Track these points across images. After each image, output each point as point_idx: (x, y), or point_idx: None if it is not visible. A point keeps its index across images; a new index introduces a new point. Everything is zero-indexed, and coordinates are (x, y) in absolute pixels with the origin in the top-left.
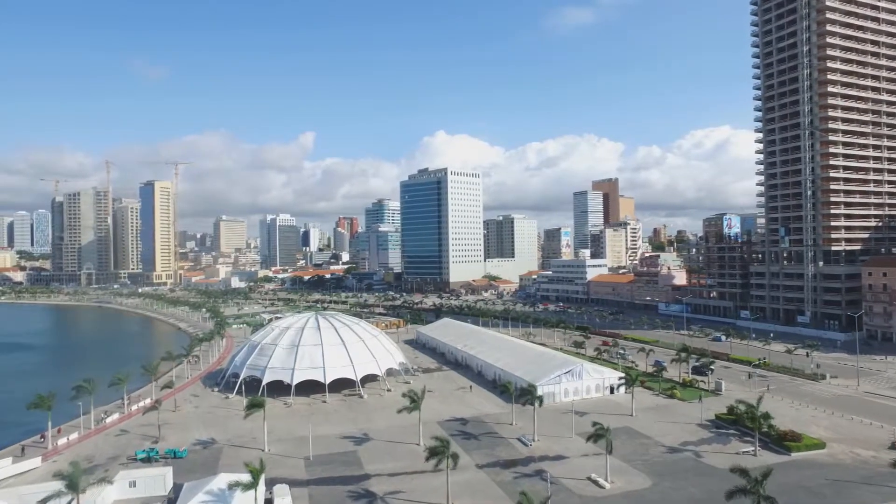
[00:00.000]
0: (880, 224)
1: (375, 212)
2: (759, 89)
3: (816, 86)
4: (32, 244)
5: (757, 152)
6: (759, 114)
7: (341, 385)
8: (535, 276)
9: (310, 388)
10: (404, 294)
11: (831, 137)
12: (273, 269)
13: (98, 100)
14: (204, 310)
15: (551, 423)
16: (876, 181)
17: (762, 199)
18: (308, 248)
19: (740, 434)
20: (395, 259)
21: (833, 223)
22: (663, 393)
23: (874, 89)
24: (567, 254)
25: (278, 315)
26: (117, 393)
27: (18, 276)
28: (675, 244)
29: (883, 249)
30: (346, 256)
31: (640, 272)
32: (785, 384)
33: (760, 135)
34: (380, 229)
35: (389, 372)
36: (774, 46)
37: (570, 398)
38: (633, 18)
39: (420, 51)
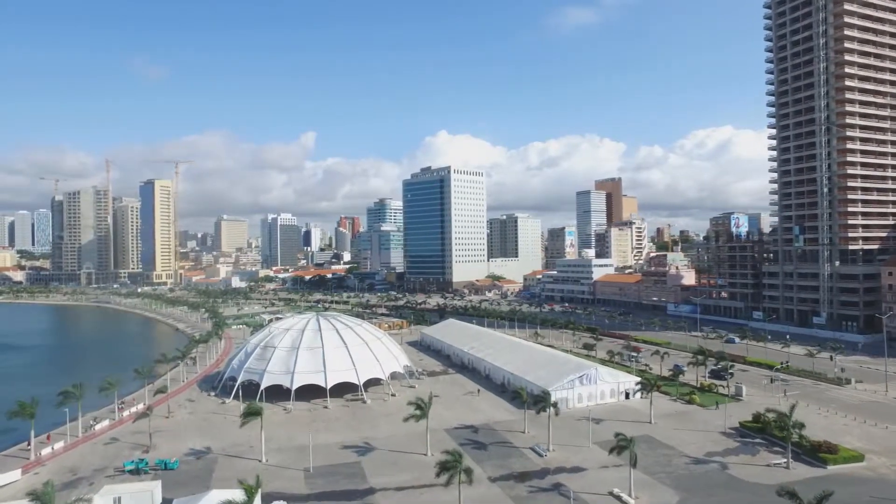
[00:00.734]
0: None
1: (377, 211)
2: (772, 84)
3: (833, 79)
4: (33, 244)
5: (770, 149)
6: (773, 109)
7: (343, 389)
8: (539, 276)
9: (310, 392)
10: (407, 294)
11: (848, 133)
12: (274, 268)
13: (99, 100)
14: (203, 310)
15: (566, 430)
16: (895, 178)
17: (775, 196)
18: (309, 248)
19: (768, 444)
20: (397, 259)
21: (850, 221)
22: (681, 398)
23: (893, 83)
24: (571, 253)
25: (279, 315)
26: (109, 398)
27: (18, 276)
28: (680, 244)
29: None
30: (347, 256)
31: (648, 272)
32: (808, 389)
33: (773, 131)
34: (382, 229)
35: (393, 375)
36: (788, 40)
37: (583, 404)
38: (634, 18)
39: (422, 51)
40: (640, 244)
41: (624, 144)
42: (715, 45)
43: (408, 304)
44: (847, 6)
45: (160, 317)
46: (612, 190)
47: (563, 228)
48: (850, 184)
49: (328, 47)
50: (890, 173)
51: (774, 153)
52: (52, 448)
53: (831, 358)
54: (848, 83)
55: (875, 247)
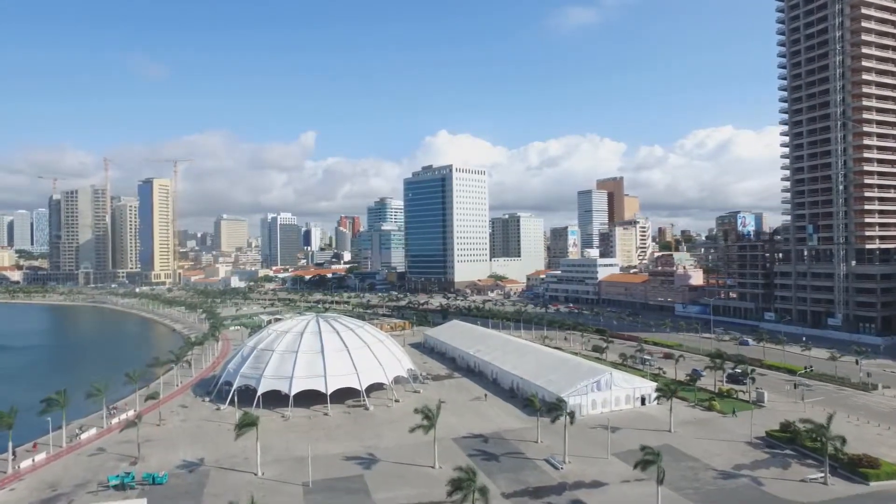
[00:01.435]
0: None
1: (378, 210)
2: (784, 79)
3: (849, 73)
4: (32, 243)
5: (782, 146)
6: (785, 105)
7: (344, 395)
8: (542, 276)
9: (310, 398)
10: (408, 294)
11: (865, 128)
12: (274, 268)
13: (100, 99)
14: (200, 311)
15: (581, 440)
16: None
17: (787, 195)
18: (309, 248)
19: (799, 456)
20: (398, 258)
21: (867, 220)
22: (700, 405)
23: None
24: (574, 253)
25: (278, 316)
26: (98, 403)
27: (15, 276)
28: (684, 243)
29: None
30: (347, 256)
31: (654, 272)
32: (832, 395)
33: (786, 127)
34: (382, 228)
35: (397, 380)
36: (802, 33)
37: (598, 410)
38: (634, 18)
39: (422, 50)
40: (644, 244)
41: (624, 144)
42: (715, 45)
43: (410, 305)
44: None
45: (157, 317)
46: (613, 189)
47: (566, 228)
48: (866, 181)
49: (328, 47)
50: None
51: (787, 150)
52: (33, 460)
53: (857, 362)
54: (865, 77)
55: (893, 246)
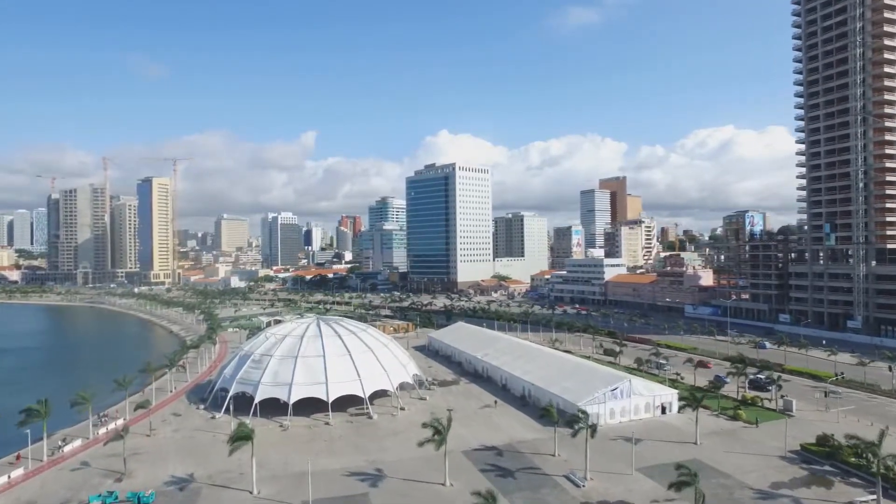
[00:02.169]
0: None
1: (379, 210)
2: (800, 73)
3: (870, 66)
4: (32, 243)
5: (797, 142)
6: (801, 100)
7: (347, 402)
8: (547, 277)
9: (310, 406)
10: (410, 295)
11: (886, 123)
12: (274, 268)
13: (100, 99)
14: (198, 312)
15: (601, 453)
16: None
17: (803, 192)
18: (310, 248)
19: (841, 473)
20: (399, 258)
21: (888, 218)
22: (724, 414)
23: None
24: (578, 253)
25: (277, 318)
26: (84, 412)
27: (14, 275)
28: (687, 243)
29: None
30: (349, 256)
31: (663, 272)
32: (863, 403)
33: (802, 122)
34: (384, 228)
35: (402, 386)
36: (819, 25)
37: (616, 420)
38: (635, 18)
39: (423, 50)
40: (650, 243)
41: (625, 144)
42: (716, 45)
43: (413, 306)
44: None
45: (154, 318)
46: (616, 189)
47: (570, 227)
48: (887, 177)
49: (328, 47)
50: None
51: (802, 146)
52: (9, 477)
53: (890, 368)
54: (887, 69)
55: None
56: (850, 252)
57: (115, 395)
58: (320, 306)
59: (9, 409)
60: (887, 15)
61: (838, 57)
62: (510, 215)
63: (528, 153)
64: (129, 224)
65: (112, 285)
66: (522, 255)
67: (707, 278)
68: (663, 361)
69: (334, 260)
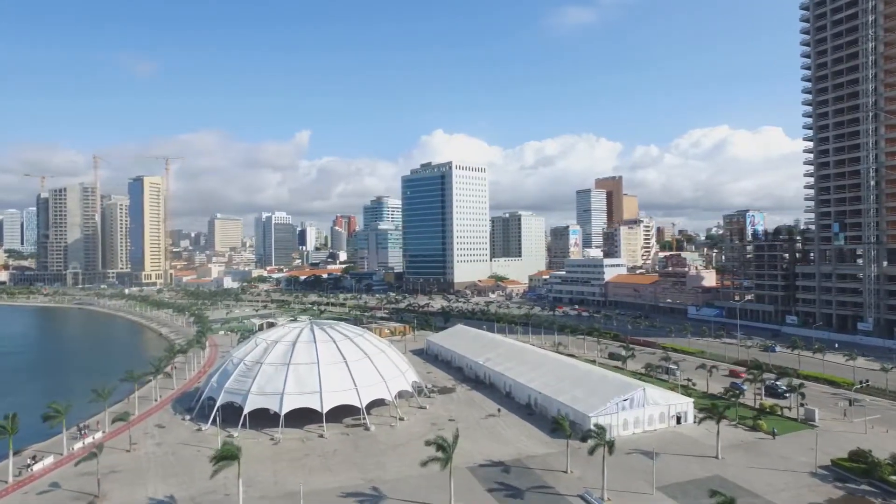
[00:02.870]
0: None
1: (374, 209)
2: (808, 68)
3: (882, 60)
4: (22, 242)
5: (805, 139)
6: (809, 96)
7: (342, 412)
8: (545, 277)
9: (303, 416)
10: (407, 295)
11: None
12: (268, 268)
13: (91, 98)
14: (188, 314)
15: (616, 468)
16: None
17: (811, 191)
18: (304, 248)
19: (882, 493)
20: (395, 258)
21: None
22: (742, 424)
23: None
24: (575, 253)
25: (270, 320)
26: (59, 426)
27: (2, 276)
28: (685, 243)
29: None
30: (343, 256)
31: (665, 272)
32: (889, 413)
33: (810, 119)
34: (379, 227)
35: (401, 394)
36: (829, 19)
37: (629, 431)
38: (632, 18)
39: (418, 50)
40: (649, 243)
41: (620, 144)
42: (710, 46)
43: (410, 307)
44: None
45: (144, 320)
46: (612, 189)
47: (567, 227)
48: None
49: (323, 46)
50: None
51: (810, 144)
52: None
53: None
54: None
55: None
56: (858, 252)
57: (97, 405)
58: (314, 308)
59: None
60: None
61: (849, 52)
62: (507, 215)
63: (523, 153)
64: (121, 224)
65: (102, 286)
66: (520, 256)
67: (710, 279)
68: (673, 367)
69: (329, 260)
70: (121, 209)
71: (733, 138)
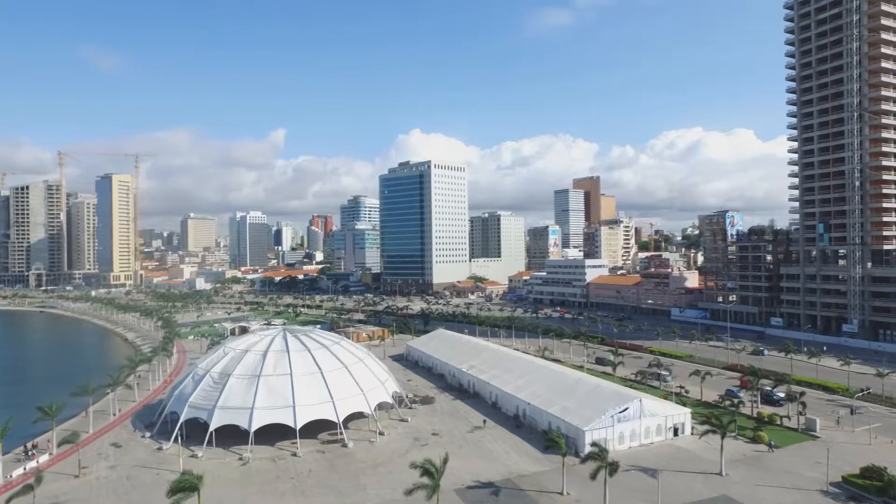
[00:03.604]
0: None
1: (351, 209)
2: (792, 68)
3: (866, 60)
4: None
5: (790, 139)
6: (793, 96)
7: (318, 427)
8: (526, 278)
9: (275, 432)
10: (384, 297)
11: (884, 120)
12: (242, 269)
13: (57, 94)
14: (155, 317)
15: (616, 487)
16: None
17: (796, 192)
18: (280, 248)
19: None
20: (372, 259)
21: (884, 218)
22: (742, 436)
23: None
24: (555, 253)
25: (243, 324)
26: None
27: None
28: (664, 243)
29: None
30: (320, 256)
31: (647, 273)
32: (888, 420)
33: (794, 119)
34: (356, 227)
35: (381, 406)
36: (813, 18)
37: (625, 445)
38: (608, 20)
39: (395, 49)
40: (629, 244)
41: (597, 144)
42: (685, 48)
43: (388, 310)
44: None
45: (109, 324)
46: (590, 189)
47: (547, 227)
48: (884, 176)
49: (299, 44)
50: None
51: (795, 144)
52: None
53: None
54: (884, 64)
55: None
56: (841, 253)
57: (46, 423)
58: (289, 311)
59: None
60: (884, 7)
61: (833, 52)
62: (486, 215)
63: (500, 153)
64: (88, 223)
65: (68, 287)
66: (499, 256)
67: (692, 280)
68: (665, 373)
69: (305, 260)
70: (88, 208)
71: (707, 140)
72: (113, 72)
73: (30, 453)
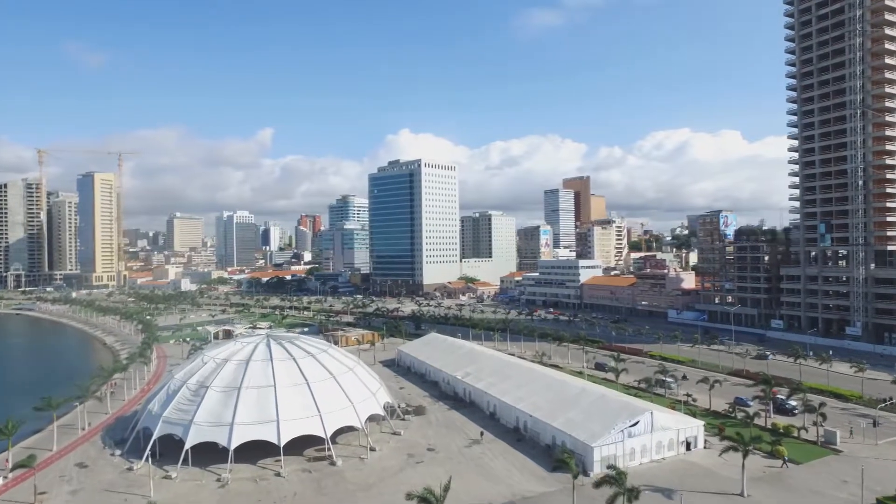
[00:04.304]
0: None
1: (340, 208)
2: (793, 65)
3: (869, 56)
4: None
5: (790, 137)
6: (794, 93)
7: (304, 442)
8: (518, 279)
9: (257, 448)
10: (374, 298)
11: (888, 118)
12: (229, 269)
13: (40, 91)
14: (135, 321)
15: None
16: None
17: (796, 191)
18: (268, 248)
19: None
20: (361, 259)
21: (888, 218)
22: (759, 450)
23: None
24: (546, 254)
25: (227, 327)
26: None
27: None
28: (654, 243)
29: None
30: (308, 256)
31: (643, 274)
32: None
33: (794, 117)
34: (345, 227)
35: (372, 417)
36: (814, 14)
37: (636, 461)
38: (597, 21)
39: (384, 48)
40: (621, 244)
41: (585, 145)
42: (674, 50)
43: (378, 312)
44: None
45: (88, 327)
46: (580, 189)
47: (538, 227)
48: (888, 175)
49: (287, 43)
50: None
51: (795, 142)
52: None
53: None
54: (888, 60)
55: None
56: (841, 254)
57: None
58: (276, 313)
59: None
60: (888, 2)
61: (835, 48)
62: (477, 214)
63: (489, 153)
64: (69, 222)
65: (48, 289)
66: (490, 256)
67: (689, 281)
68: (670, 380)
69: (293, 260)
70: (69, 207)
71: (694, 141)
72: (97, 69)
73: None
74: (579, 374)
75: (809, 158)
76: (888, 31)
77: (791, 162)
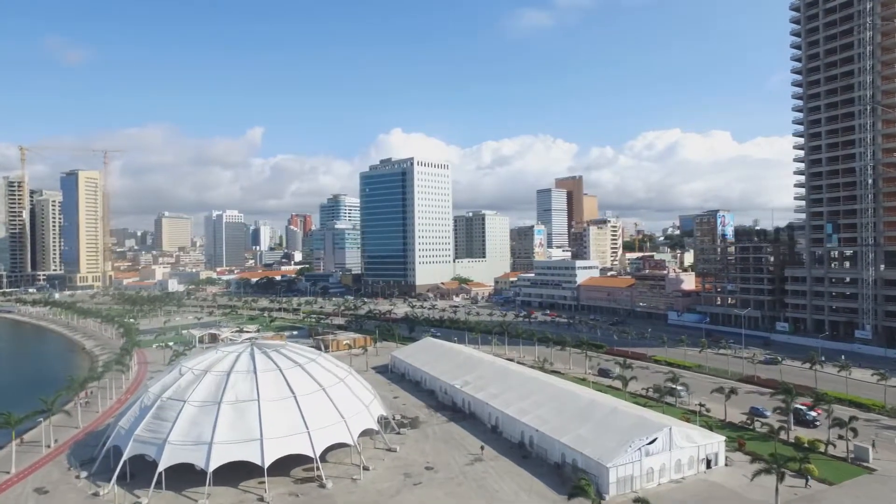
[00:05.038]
0: None
1: (331, 208)
2: (798, 60)
3: (879, 51)
4: None
5: (795, 135)
6: (799, 90)
7: (291, 461)
8: (512, 279)
9: (240, 468)
10: (366, 300)
11: None
12: (218, 269)
13: (25, 90)
14: (116, 324)
15: None
16: None
17: (802, 190)
18: (258, 247)
19: None
20: (353, 259)
21: None
22: (784, 467)
23: None
24: (540, 254)
25: (213, 331)
26: None
27: None
28: (648, 243)
29: None
30: (299, 256)
31: (642, 275)
32: None
33: (800, 114)
34: (336, 226)
35: (365, 432)
36: (821, 7)
37: (654, 482)
38: (588, 21)
39: (376, 48)
40: (616, 244)
41: (576, 145)
42: (665, 50)
43: (370, 314)
44: None
45: (68, 331)
46: (573, 188)
47: (532, 227)
48: None
49: (277, 42)
50: None
51: (801, 140)
52: None
53: None
54: None
55: None
56: (847, 254)
57: None
58: (264, 315)
59: None
60: None
61: (843, 42)
62: (470, 214)
63: (481, 153)
64: (53, 222)
65: (31, 290)
66: (484, 256)
67: (689, 282)
68: (680, 388)
69: (283, 261)
70: (53, 206)
71: (685, 141)
72: (81, 66)
73: None
74: (583, 380)
75: (816, 156)
76: None
77: (796, 160)
